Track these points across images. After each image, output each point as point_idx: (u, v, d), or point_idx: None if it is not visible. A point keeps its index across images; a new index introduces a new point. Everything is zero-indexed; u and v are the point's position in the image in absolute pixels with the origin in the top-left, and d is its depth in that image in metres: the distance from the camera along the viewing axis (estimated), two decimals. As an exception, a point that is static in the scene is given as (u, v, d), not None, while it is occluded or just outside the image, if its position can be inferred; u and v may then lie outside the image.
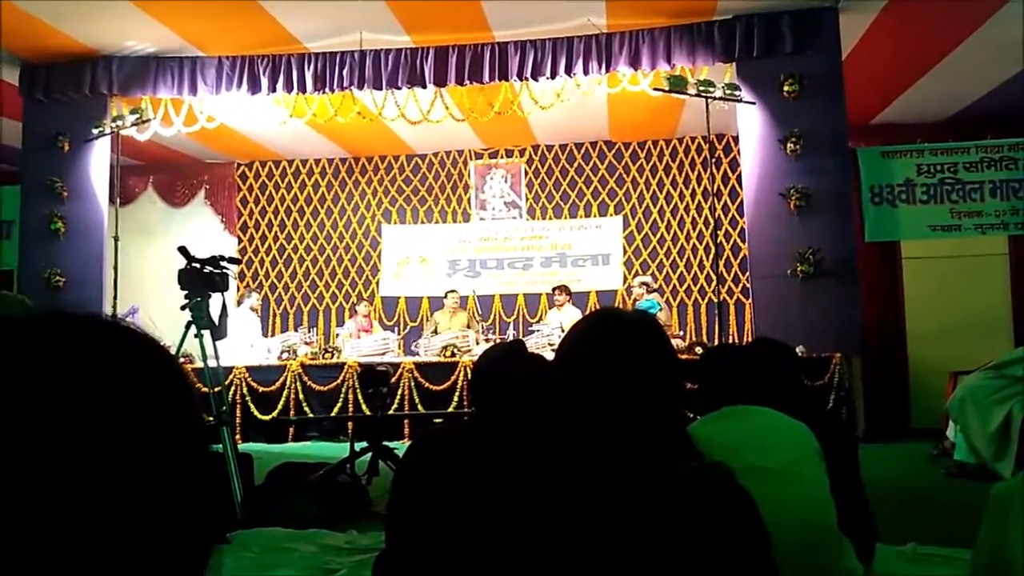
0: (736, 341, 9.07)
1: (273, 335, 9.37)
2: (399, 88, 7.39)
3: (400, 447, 5.83)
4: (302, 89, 7.41)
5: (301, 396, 7.60)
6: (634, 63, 6.96)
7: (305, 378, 7.64)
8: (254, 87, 7.44)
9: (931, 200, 7.40)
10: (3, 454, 0.41)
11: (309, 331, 9.28)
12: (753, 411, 1.98)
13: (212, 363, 4.58)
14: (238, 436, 7.23)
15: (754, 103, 6.83)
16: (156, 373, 0.49)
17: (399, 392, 7.44)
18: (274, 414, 7.53)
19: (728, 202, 9.60)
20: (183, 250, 4.58)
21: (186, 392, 0.51)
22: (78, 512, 0.42)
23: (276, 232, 10.69)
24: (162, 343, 0.51)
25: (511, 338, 8.74)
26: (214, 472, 0.51)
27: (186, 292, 4.53)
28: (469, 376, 7.36)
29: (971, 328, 7.63)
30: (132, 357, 0.49)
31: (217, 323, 4.58)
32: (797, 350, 5.79)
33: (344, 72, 7.32)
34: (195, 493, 0.49)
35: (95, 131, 7.49)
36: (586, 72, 7.05)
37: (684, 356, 6.96)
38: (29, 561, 0.41)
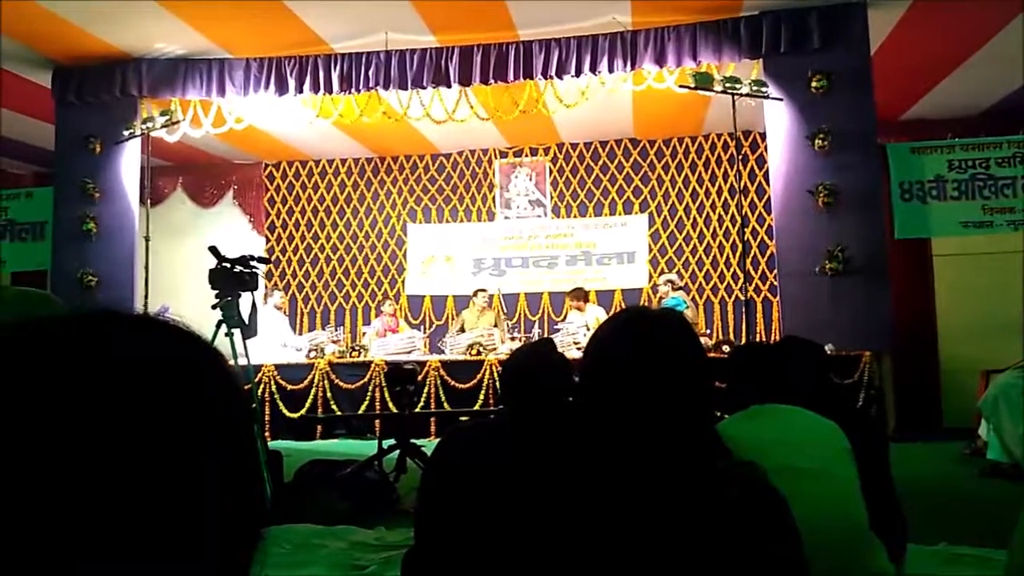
0: (764, 339, 9.01)
1: (301, 334, 9.45)
2: (424, 88, 7.42)
3: (427, 445, 5.86)
4: (328, 90, 7.47)
5: (329, 394, 7.67)
6: (660, 60, 6.93)
7: (333, 376, 7.70)
8: (281, 88, 7.51)
9: (962, 196, 7.29)
10: (56, 453, 0.43)
11: (336, 330, 9.35)
12: (782, 410, 1.97)
13: (242, 361, 4.63)
14: (267, 433, 7.31)
15: (781, 99, 6.77)
16: (209, 373, 0.51)
17: (425, 390, 7.48)
18: (302, 412, 7.60)
19: (755, 199, 9.53)
20: (214, 250, 4.64)
21: (236, 390, 0.52)
22: (135, 508, 0.43)
23: (303, 231, 10.79)
24: (207, 341, 0.53)
25: (536, 336, 8.75)
26: (260, 469, 0.53)
27: (217, 291, 4.58)
28: (495, 374, 7.39)
29: (1004, 326, 7.50)
30: (186, 357, 0.50)
31: (247, 322, 4.63)
32: (826, 348, 5.73)
33: (370, 72, 7.36)
34: (248, 489, 0.50)
35: (126, 133, 7.59)
36: (611, 70, 7.03)
37: (711, 354, 6.93)
38: (83, 556, 0.42)
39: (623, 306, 9.68)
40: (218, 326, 4.58)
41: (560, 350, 2.36)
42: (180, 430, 0.46)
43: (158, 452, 0.45)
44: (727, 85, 6.62)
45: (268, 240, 10.79)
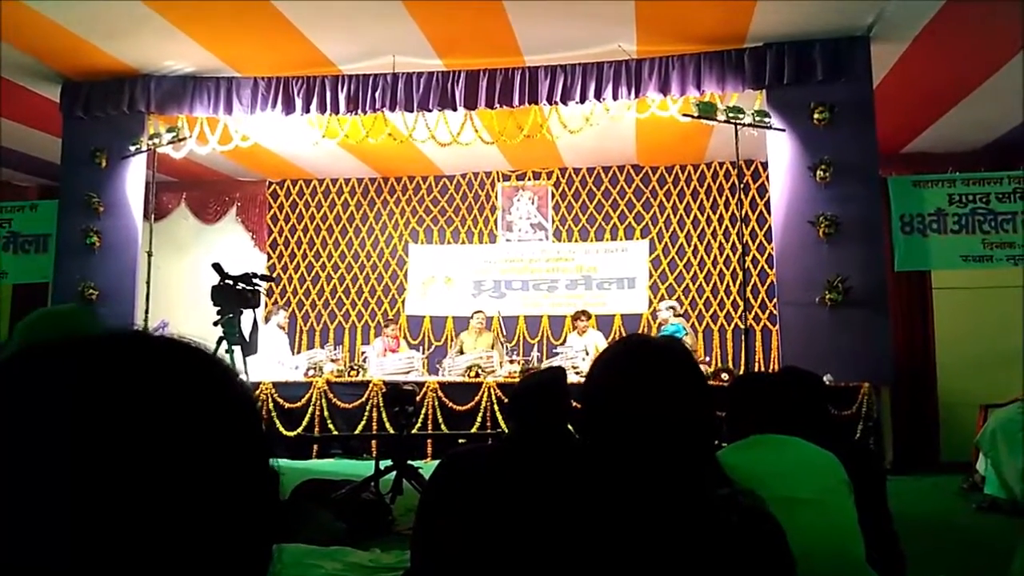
0: (762, 368, 9.00)
1: (300, 352, 9.45)
2: (430, 111, 7.47)
3: (424, 466, 5.84)
4: (335, 110, 7.51)
5: (326, 413, 7.65)
6: (664, 89, 6.99)
7: (330, 395, 7.69)
8: (288, 108, 7.56)
9: (963, 230, 7.33)
10: (82, 469, 0.44)
11: (335, 348, 9.35)
12: (781, 440, 1.97)
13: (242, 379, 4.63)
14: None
15: (784, 130, 6.82)
16: (233, 397, 0.52)
17: (423, 411, 7.46)
18: (299, 430, 7.58)
19: (756, 228, 9.57)
20: (217, 267, 4.65)
21: (256, 414, 0.53)
22: (155, 522, 0.44)
23: (305, 250, 10.81)
24: (231, 366, 0.54)
25: (535, 359, 8.75)
26: (276, 487, 0.54)
27: (219, 308, 4.59)
28: (493, 397, 7.39)
29: (1002, 360, 7.50)
30: (210, 378, 0.51)
31: (248, 339, 4.64)
32: (824, 379, 5.73)
33: (376, 94, 7.42)
34: (264, 507, 0.51)
35: (132, 148, 7.64)
36: (615, 97, 7.08)
37: (709, 382, 6.91)
38: (100, 568, 0.43)
39: (623, 331, 9.69)
40: (219, 343, 4.59)
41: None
42: (204, 447, 0.47)
43: (185, 470, 0.46)
44: (730, 115, 6.67)
45: (270, 257, 10.81)
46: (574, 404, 1.88)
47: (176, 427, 0.46)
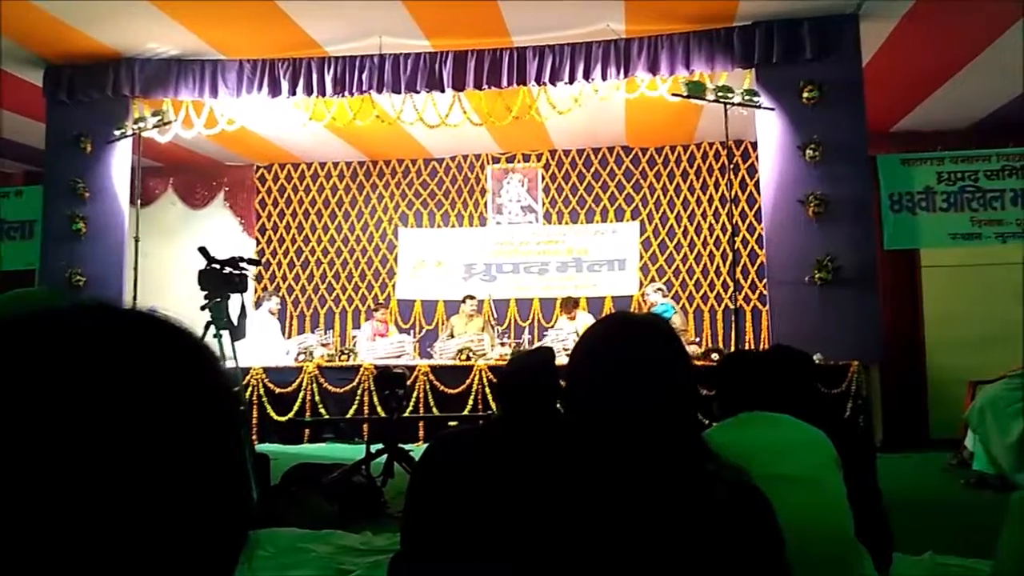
0: (753, 348, 9.02)
1: (290, 337, 9.42)
2: (418, 92, 7.41)
3: (415, 449, 5.85)
4: (322, 93, 7.45)
5: (317, 398, 7.64)
6: (653, 68, 6.95)
7: (321, 380, 7.68)
8: (274, 90, 7.49)
9: (951, 208, 7.35)
10: (45, 448, 0.42)
11: (325, 333, 9.32)
12: (770, 417, 1.97)
13: (230, 364, 4.61)
14: (254, 436, 7.28)
15: (773, 109, 6.81)
16: (200, 369, 0.50)
17: (414, 394, 7.46)
18: (290, 415, 7.57)
19: (746, 208, 9.56)
20: (203, 251, 4.62)
21: (225, 389, 0.52)
22: (121, 504, 0.43)
23: (294, 234, 10.76)
24: (200, 337, 0.52)
25: (526, 342, 8.75)
26: (247, 469, 0.52)
27: (206, 292, 4.56)
28: (484, 380, 7.39)
29: (990, 337, 7.54)
30: (176, 351, 0.50)
31: (236, 324, 4.61)
32: (814, 358, 5.75)
33: (363, 76, 7.35)
34: (235, 489, 0.50)
35: (117, 133, 7.56)
36: (604, 77, 7.04)
37: (700, 362, 6.94)
38: (68, 554, 0.42)
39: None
40: (207, 327, 4.56)
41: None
42: (166, 428, 0.46)
43: (141, 449, 0.44)
44: (719, 94, 6.65)
45: (259, 242, 10.76)
46: (562, 384, 1.87)
47: (134, 401, 0.45)
